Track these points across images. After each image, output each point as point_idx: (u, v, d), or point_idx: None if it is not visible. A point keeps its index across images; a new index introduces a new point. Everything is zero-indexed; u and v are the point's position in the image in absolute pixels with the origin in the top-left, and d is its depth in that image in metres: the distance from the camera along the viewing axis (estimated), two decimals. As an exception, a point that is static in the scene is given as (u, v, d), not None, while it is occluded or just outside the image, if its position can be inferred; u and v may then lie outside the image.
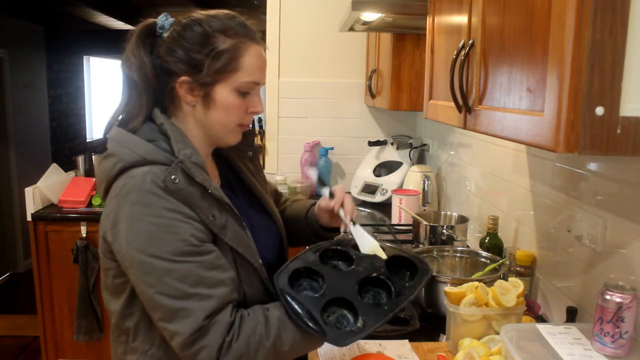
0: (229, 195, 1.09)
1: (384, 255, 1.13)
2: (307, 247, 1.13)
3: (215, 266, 0.99)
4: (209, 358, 0.94)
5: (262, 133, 3.42)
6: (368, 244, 1.14)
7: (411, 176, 2.63)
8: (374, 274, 1.08)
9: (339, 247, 1.14)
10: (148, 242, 0.95)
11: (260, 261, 1.09)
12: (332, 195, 1.22)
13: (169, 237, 0.95)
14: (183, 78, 1.04)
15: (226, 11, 1.08)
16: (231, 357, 0.95)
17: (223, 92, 1.05)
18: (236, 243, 1.04)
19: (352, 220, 1.19)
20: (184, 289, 0.95)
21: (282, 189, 2.46)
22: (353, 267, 1.09)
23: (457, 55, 1.20)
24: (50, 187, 2.85)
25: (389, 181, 2.87)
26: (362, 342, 1.28)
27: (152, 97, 1.08)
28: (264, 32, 3.08)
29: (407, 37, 2.34)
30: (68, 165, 3.20)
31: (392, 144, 3.04)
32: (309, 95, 3.14)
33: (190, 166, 0.99)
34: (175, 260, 0.95)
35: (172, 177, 0.97)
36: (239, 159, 1.24)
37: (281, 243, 1.26)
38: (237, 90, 1.05)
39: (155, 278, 0.95)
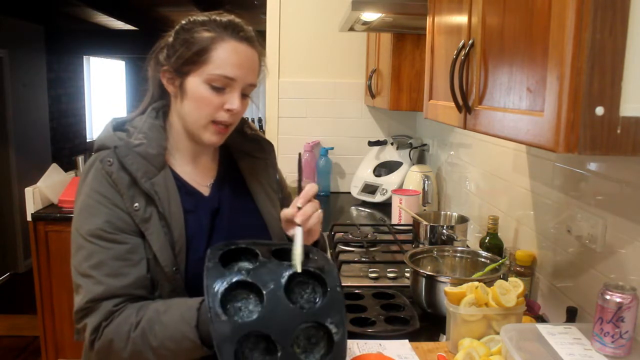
0: (216, 195, 1.16)
1: (298, 269, 0.98)
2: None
3: (123, 258, 1.02)
4: (87, 336, 1.02)
5: (262, 133, 3.43)
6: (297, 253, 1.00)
7: (411, 176, 2.63)
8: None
9: (243, 280, 0.94)
10: (77, 216, 1.05)
11: (175, 269, 1.05)
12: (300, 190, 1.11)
13: (89, 216, 1.03)
14: (164, 67, 1.10)
15: (226, 13, 1.11)
16: (102, 341, 1.00)
17: (193, 83, 1.07)
18: (153, 240, 1.04)
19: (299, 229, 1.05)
20: (85, 267, 1.02)
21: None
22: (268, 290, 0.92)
23: (457, 55, 1.20)
24: (50, 187, 2.85)
25: (389, 181, 2.87)
26: (362, 342, 1.28)
27: (157, 93, 1.15)
28: (262, 33, 3.08)
29: (407, 37, 2.34)
30: (68, 165, 3.20)
31: (392, 144, 3.04)
32: (309, 95, 3.14)
33: (126, 153, 1.04)
34: (87, 239, 1.02)
35: (109, 159, 1.04)
36: (248, 164, 1.24)
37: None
38: (208, 83, 1.06)
39: (73, 250, 1.05)
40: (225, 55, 1.06)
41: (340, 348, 0.91)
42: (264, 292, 0.92)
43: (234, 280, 0.92)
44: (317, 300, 0.96)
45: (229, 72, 1.06)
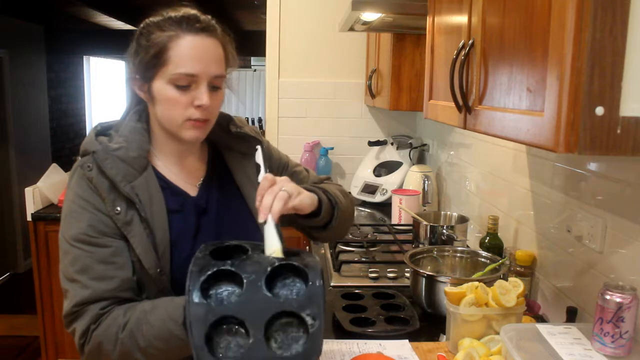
0: (204, 195, 1.15)
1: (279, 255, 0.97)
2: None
3: (107, 261, 1.02)
4: (77, 340, 1.02)
5: (262, 133, 3.42)
6: (271, 245, 0.99)
7: (411, 176, 2.63)
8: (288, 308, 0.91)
9: (215, 270, 0.93)
10: (62, 222, 1.06)
11: (159, 270, 1.05)
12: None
13: (73, 221, 1.04)
14: (133, 76, 1.10)
15: (181, 7, 1.09)
16: (91, 344, 1.00)
17: (159, 86, 1.06)
18: (136, 243, 1.04)
19: (267, 219, 1.00)
20: (71, 272, 1.03)
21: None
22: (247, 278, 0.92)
23: (457, 55, 1.20)
24: (50, 187, 2.85)
25: (389, 181, 2.87)
26: (362, 342, 1.28)
27: (134, 100, 1.15)
28: (262, 33, 3.08)
29: (407, 37, 2.34)
30: (68, 165, 3.17)
31: (392, 144, 3.04)
32: (309, 95, 3.14)
33: (105, 157, 1.05)
34: (72, 244, 1.03)
35: (88, 164, 1.05)
36: (236, 161, 1.23)
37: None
38: (172, 84, 1.04)
39: (61, 255, 1.06)
40: (183, 53, 1.03)
41: (315, 339, 0.89)
42: (245, 280, 0.91)
43: (217, 268, 0.92)
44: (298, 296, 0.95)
45: (190, 69, 1.03)
